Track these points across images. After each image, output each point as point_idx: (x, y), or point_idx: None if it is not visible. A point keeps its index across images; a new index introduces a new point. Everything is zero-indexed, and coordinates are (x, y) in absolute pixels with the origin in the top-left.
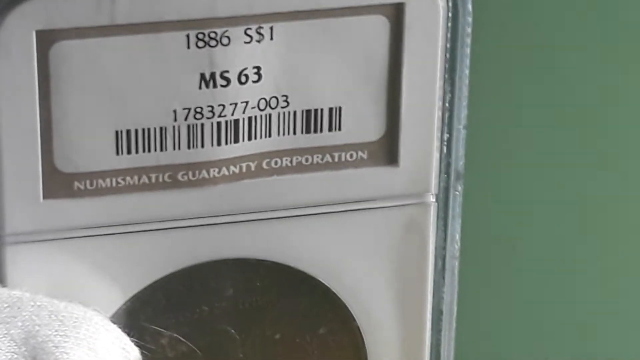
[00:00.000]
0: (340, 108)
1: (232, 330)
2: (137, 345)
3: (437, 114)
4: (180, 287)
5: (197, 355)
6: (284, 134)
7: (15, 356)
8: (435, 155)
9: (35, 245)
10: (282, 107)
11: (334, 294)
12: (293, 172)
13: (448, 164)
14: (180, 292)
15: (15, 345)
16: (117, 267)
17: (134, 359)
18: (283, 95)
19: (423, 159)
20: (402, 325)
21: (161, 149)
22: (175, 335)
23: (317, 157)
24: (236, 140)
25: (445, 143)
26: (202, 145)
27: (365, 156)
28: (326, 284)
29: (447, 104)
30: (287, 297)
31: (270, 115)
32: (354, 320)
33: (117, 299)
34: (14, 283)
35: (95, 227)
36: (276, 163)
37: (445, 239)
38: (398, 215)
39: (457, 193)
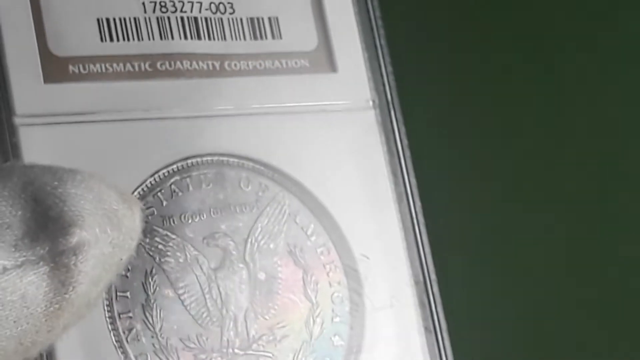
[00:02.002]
0: (277, 18)
1: (231, 239)
2: (149, 245)
3: (369, 24)
4: (176, 188)
5: (202, 261)
6: (236, 39)
7: (17, 201)
8: (372, 61)
9: (44, 128)
10: (230, 14)
11: (316, 198)
12: (250, 74)
13: (384, 70)
14: (177, 194)
15: (15, 193)
16: (117, 155)
17: (134, 201)
18: (229, 2)
19: (359, 66)
20: (380, 232)
21: (139, 39)
22: (181, 238)
23: (268, 62)
24: (199, 37)
25: (380, 50)
26: (172, 37)
27: (307, 64)
28: (306, 185)
29: (377, 14)
30: (272, 202)
31: (222, 19)
32: (337, 226)
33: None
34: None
35: (93, 113)
36: (235, 65)
37: (393, 138)
38: (344, 117)
39: (394, 97)
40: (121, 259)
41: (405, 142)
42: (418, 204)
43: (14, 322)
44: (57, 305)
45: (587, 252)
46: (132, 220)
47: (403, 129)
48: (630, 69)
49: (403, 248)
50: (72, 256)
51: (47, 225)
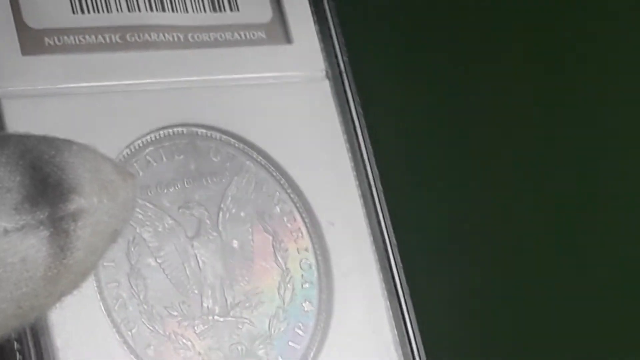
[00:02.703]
0: None
1: (205, 209)
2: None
3: None
4: (151, 158)
5: (179, 230)
6: (197, 11)
7: (15, 168)
8: (324, 33)
9: (24, 100)
10: None
11: (281, 167)
12: (211, 46)
13: (337, 41)
14: (152, 164)
15: (12, 160)
16: (92, 127)
17: (128, 173)
18: None
19: (312, 37)
20: (342, 196)
21: (108, 10)
22: (159, 208)
23: (228, 34)
24: (164, 9)
25: (332, 22)
26: (139, 9)
27: (263, 35)
28: (271, 154)
29: None
30: (240, 172)
31: None
32: (302, 194)
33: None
34: None
35: (68, 85)
36: (198, 37)
37: (348, 108)
38: (301, 88)
39: (348, 67)
40: (116, 230)
41: (360, 111)
42: (375, 171)
43: (15, 284)
44: (55, 270)
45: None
46: (127, 191)
47: (357, 99)
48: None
49: (363, 214)
50: (72, 222)
51: (46, 192)
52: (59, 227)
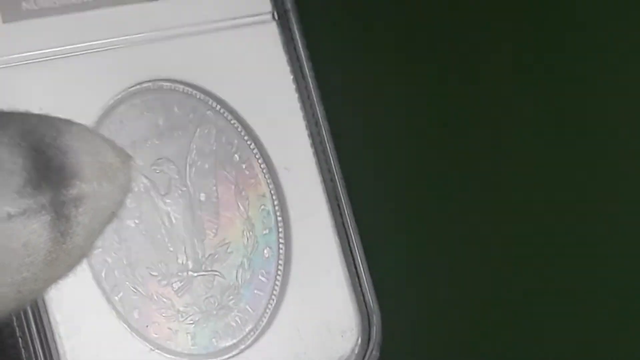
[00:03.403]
0: None
1: (173, 164)
2: None
3: None
4: (122, 117)
5: (153, 189)
6: None
7: (17, 149)
8: None
9: (9, 69)
10: None
11: (239, 115)
12: None
13: None
14: (123, 123)
15: (14, 141)
16: (66, 92)
17: (126, 155)
18: None
19: None
20: (286, 126)
21: None
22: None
23: None
24: None
25: None
26: None
27: None
28: (230, 103)
29: None
30: (202, 122)
31: None
32: (259, 142)
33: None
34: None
35: (49, 50)
36: None
37: (294, 48)
38: (251, 31)
39: (293, 9)
40: (113, 212)
41: (307, 53)
42: (321, 109)
43: (16, 269)
44: (54, 255)
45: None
46: (126, 174)
47: (303, 40)
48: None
49: (312, 152)
50: (73, 207)
51: (48, 175)
52: (60, 212)
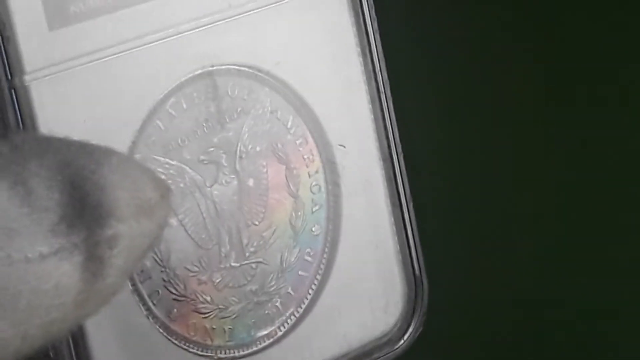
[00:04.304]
0: None
1: (223, 152)
2: None
3: None
4: (173, 110)
5: (199, 181)
6: None
7: (54, 183)
8: None
9: (55, 78)
10: None
11: (294, 91)
12: None
13: None
14: (174, 116)
15: (52, 174)
16: (121, 88)
17: (166, 188)
18: None
19: None
20: (345, 99)
21: None
22: (179, 162)
23: None
24: None
25: None
26: None
27: None
28: (285, 79)
29: None
30: (255, 103)
31: None
32: (315, 117)
33: (132, 125)
34: (44, 120)
35: (101, 50)
36: None
37: (362, 17)
38: (311, 6)
39: None
40: (150, 246)
41: (375, 22)
42: (386, 80)
43: (45, 310)
44: (85, 295)
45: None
46: (164, 208)
47: (373, 10)
48: None
49: (372, 128)
50: (107, 249)
51: (84, 213)
52: (94, 252)
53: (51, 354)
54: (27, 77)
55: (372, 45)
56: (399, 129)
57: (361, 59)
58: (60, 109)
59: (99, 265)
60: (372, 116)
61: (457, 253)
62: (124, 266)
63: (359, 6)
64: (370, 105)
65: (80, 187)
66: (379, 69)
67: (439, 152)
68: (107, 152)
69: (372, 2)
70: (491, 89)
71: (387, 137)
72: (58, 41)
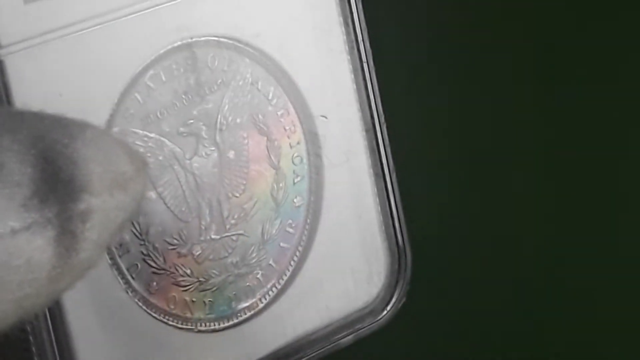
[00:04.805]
0: None
1: (203, 124)
2: None
3: None
4: (151, 83)
5: (178, 153)
6: None
7: (26, 157)
8: None
9: (31, 52)
10: None
11: (275, 61)
12: None
13: None
14: (152, 89)
15: (24, 149)
16: (107, 59)
17: (142, 161)
18: None
19: None
20: (327, 69)
21: None
22: (158, 135)
23: None
24: None
25: None
26: None
27: None
28: (266, 50)
29: None
30: (235, 75)
31: None
32: (296, 88)
33: (110, 98)
34: (19, 94)
35: (77, 23)
36: None
37: None
38: None
39: None
40: (124, 220)
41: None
42: (369, 50)
43: (17, 286)
44: (59, 270)
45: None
46: (139, 182)
47: None
48: None
49: (355, 98)
50: (80, 223)
51: (56, 188)
52: (67, 227)
53: (28, 328)
54: (2, 51)
55: (354, 15)
56: (382, 99)
57: (343, 29)
58: (36, 83)
59: (73, 239)
60: (355, 86)
61: (441, 224)
62: (99, 240)
63: None
64: (353, 75)
65: (53, 161)
66: (361, 38)
67: (422, 121)
68: (81, 126)
69: None
70: (475, 57)
71: (370, 107)
72: (33, 14)
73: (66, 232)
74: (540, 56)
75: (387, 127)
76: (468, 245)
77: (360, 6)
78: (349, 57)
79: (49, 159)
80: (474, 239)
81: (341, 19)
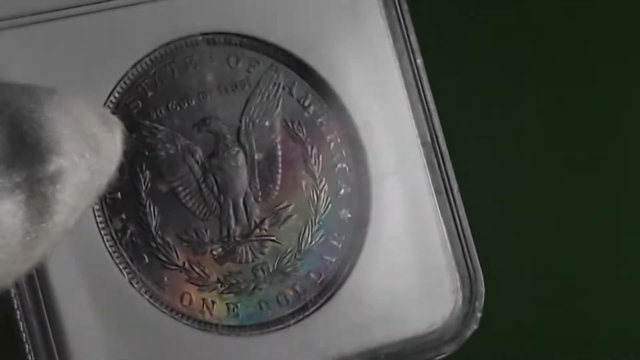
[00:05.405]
0: None
1: (223, 122)
2: (137, 140)
3: None
4: (161, 76)
5: (195, 150)
6: None
7: None
8: None
9: (13, 32)
10: None
11: (310, 67)
12: None
13: None
14: (162, 81)
15: None
16: (95, 49)
17: (114, 123)
18: None
19: None
20: (381, 96)
21: None
22: (170, 129)
23: None
24: None
25: None
26: None
27: None
28: (297, 54)
29: None
30: (264, 77)
31: None
32: (334, 95)
33: (103, 86)
34: (6, 71)
35: (63, 9)
36: None
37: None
38: None
39: None
40: (101, 184)
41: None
42: (419, 59)
43: None
44: (34, 235)
45: None
46: (112, 143)
47: None
48: None
49: (407, 108)
50: (50, 185)
51: (23, 152)
52: (36, 190)
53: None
54: None
55: (402, 24)
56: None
57: (391, 38)
58: (26, 61)
59: (44, 202)
60: (406, 95)
61: (512, 243)
62: (73, 202)
63: None
64: (403, 84)
65: (18, 126)
66: (410, 48)
67: (483, 134)
68: (49, 92)
69: None
70: (537, 57)
71: (426, 119)
72: None
73: (36, 195)
74: None
75: (446, 142)
76: (542, 268)
77: (407, 15)
78: (397, 64)
79: (15, 123)
80: (549, 260)
81: (387, 25)
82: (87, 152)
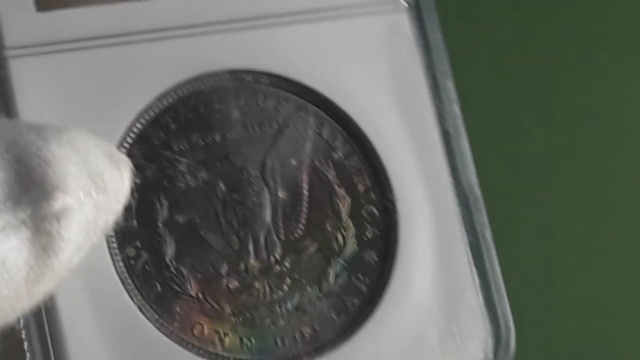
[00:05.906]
0: None
1: (247, 158)
2: (157, 171)
3: None
4: (186, 110)
5: (216, 183)
6: None
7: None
8: None
9: (38, 59)
10: None
11: (341, 109)
12: None
13: None
14: (187, 115)
15: None
16: (119, 80)
17: (123, 161)
18: None
19: None
20: (414, 140)
21: None
22: (192, 161)
23: None
24: None
25: None
26: None
27: None
28: (328, 96)
29: None
30: (293, 116)
31: None
32: (366, 138)
33: (125, 117)
34: (22, 98)
35: (90, 39)
36: None
37: (427, 47)
38: (376, 20)
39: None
40: (107, 222)
41: (442, 45)
42: (456, 105)
43: None
44: (38, 271)
45: None
46: (119, 181)
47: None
48: None
49: (442, 154)
50: (55, 222)
51: (29, 188)
52: (41, 227)
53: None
54: (7, 53)
55: (432, 60)
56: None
57: (427, 81)
58: (45, 89)
59: (48, 239)
60: (440, 138)
61: (545, 288)
62: (78, 240)
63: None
64: (438, 132)
65: (26, 163)
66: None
67: (518, 182)
68: (57, 130)
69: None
70: (566, 108)
71: (461, 165)
72: (46, 22)
73: (42, 232)
74: None
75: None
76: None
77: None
78: (433, 111)
79: (23, 161)
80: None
81: (422, 69)
82: (94, 190)
